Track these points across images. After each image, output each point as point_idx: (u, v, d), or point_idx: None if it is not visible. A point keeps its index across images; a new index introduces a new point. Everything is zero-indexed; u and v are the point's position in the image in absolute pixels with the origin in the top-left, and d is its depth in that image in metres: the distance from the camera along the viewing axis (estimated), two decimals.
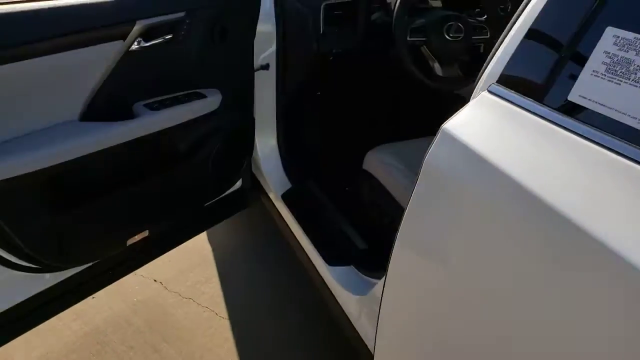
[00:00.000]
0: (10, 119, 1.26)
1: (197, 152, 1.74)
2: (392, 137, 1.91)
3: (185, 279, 2.37)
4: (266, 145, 2.16)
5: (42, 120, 1.34)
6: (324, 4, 1.78)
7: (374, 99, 2.55)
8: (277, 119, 2.13)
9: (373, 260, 1.72)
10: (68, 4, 1.29)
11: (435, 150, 0.99)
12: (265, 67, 2.01)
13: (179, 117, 1.59)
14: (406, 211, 1.08)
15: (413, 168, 1.72)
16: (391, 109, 2.67)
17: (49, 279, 1.65)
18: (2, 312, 1.54)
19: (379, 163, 1.80)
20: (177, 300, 2.25)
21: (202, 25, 1.60)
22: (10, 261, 1.47)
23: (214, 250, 2.55)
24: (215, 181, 1.87)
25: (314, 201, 2.10)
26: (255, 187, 2.30)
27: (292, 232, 2.06)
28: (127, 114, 1.52)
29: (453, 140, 0.95)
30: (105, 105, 1.46)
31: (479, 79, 1.03)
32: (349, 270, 1.74)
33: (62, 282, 1.67)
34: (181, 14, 1.52)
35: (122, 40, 1.39)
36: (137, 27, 1.41)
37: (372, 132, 2.30)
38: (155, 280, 2.34)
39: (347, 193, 2.18)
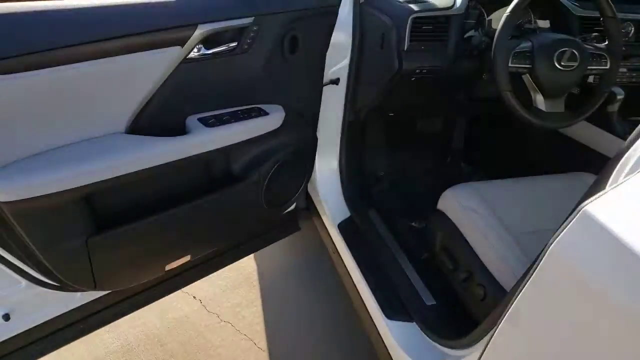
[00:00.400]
0: (49, 128, 1.10)
1: (251, 173, 1.54)
2: (474, 174, 1.64)
3: (225, 299, 2.20)
4: (326, 166, 1.94)
5: (85, 131, 1.17)
6: (412, 16, 1.53)
7: (456, 128, 2.28)
8: (341, 139, 1.91)
9: (443, 321, 1.46)
10: (120, 4, 1.11)
11: (571, 237, 0.73)
12: (335, 81, 1.79)
13: (236, 136, 1.40)
14: (520, 295, 0.84)
15: (499, 217, 1.45)
16: (475, 142, 2.38)
17: (81, 297, 1.51)
18: (35, 327, 1.44)
19: (458, 205, 1.53)
20: (215, 323, 2.08)
21: (271, 34, 1.40)
22: (39, 279, 1.33)
23: (259, 270, 2.36)
24: (269, 205, 1.67)
25: (375, 236, 1.86)
26: (309, 208, 2.09)
27: (346, 267, 1.84)
28: (179, 128, 1.34)
29: (601, 230, 0.69)
30: (156, 117, 1.28)
31: (631, 147, 0.76)
32: (411, 329, 1.49)
33: (93, 301, 1.53)
34: (248, 20, 1.32)
35: (179, 47, 1.21)
36: (198, 32, 1.22)
37: (450, 165, 2.03)
38: (194, 297, 2.19)
39: (415, 231, 1.93)
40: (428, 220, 1.66)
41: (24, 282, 1.35)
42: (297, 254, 2.49)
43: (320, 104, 1.73)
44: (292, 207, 1.94)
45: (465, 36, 1.65)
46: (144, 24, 1.14)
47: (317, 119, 1.76)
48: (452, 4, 1.57)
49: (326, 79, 1.75)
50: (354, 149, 1.99)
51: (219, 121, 1.37)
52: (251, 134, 1.44)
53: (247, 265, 2.38)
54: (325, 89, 1.73)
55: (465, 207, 1.50)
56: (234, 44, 1.34)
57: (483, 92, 1.71)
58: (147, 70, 1.19)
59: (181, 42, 1.21)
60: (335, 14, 1.58)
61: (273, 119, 1.48)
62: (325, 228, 1.96)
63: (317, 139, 1.76)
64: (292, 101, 1.60)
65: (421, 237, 1.84)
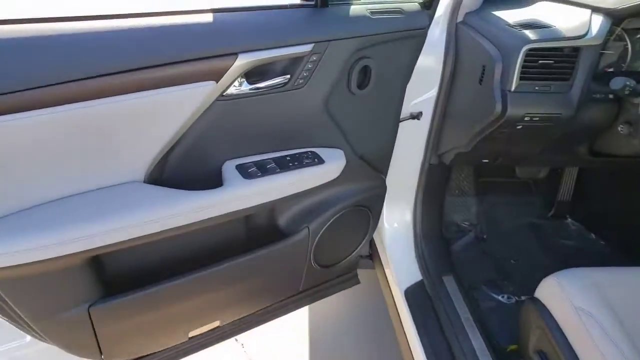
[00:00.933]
0: (50, 176, 0.89)
1: (299, 229, 1.26)
2: (583, 236, 1.24)
3: (274, 352, 1.94)
4: (396, 217, 1.61)
5: (93, 180, 0.95)
6: (526, 47, 1.16)
7: (564, 176, 1.84)
8: (417, 185, 1.56)
9: None
10: (138, 26, 0.87)
11: None
12: (417, 116, 1.45)
13: (282, 189, 1.12)
14: None
15: (628, 328, 1.05)
16: (587, 194, 1.92)
17: None
18: None
19: (566, 302, 1.14)
20: None
21: (336, 64, 1.10)
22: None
23: (310, 321, 2.08)
24: (320, 264, 1.38)
25: (449, 310, 1.50)
26: (372, 257, 1.77)
27: (408, 342, 1.49)
28: (213, 175, 1.08)
29: None
30: (182, 163, 1.04)
31: None
32: None
33: None
34: (306, 48, 1.03)
35: (214, 82, 0.95)
36: (239, 63, 0.96)
37: (553, 220, 1.62)
38: (236, 340, 1.95)
39: (502, 310, 1.54)
40: (522, 304, 1.28)
41: (28, 336, 1.17)
42: (353, 307, 2.17)
43: (393, 145, 1.41)
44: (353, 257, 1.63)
45: (598, 73, 1.24)
46: (168, 54, 0.89)
47: (389, 163, 1.43)
48: (585, 31, 1.17)
49: (405, 112, 1.42)
50: (434, 197, 1.63)
51: (262, 170, 1.10)
52: (302, 187, 1.15)
53: (299, 314, 2.10)
54: (402, 124, 1.41)
55: (577, 308, 1.10)
56: (285, 77, 1.05)
57: (615, 147, 1.30)
58: (171, 110, 0.94)
59: (216, 76, 0.95)
60: (423, 38, 1.25)
61: (330, 167, 1.18)
62: (389, 287, 1.63)
63: (386, 186, 1.44)
64: (358, 143, 1.29)
65: (509, 320, 1.45)
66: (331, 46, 1.07)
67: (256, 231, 1.26)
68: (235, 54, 0.95)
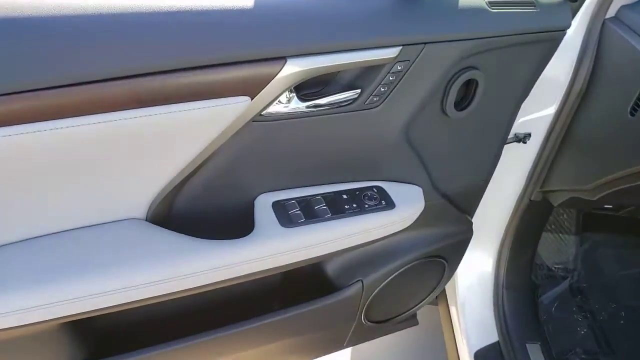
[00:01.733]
0: (21, 207, 0.64)
1: (349, 282, 0.96)
2: None
3: None
4: (475, 264, 1.27)
5: (83, 214, 0.69)
6: None
7: None
8: (508, 227, 1.22)
9: None
10: (139, 12, 0.58)
11: None
12: (522, 138, 1.09)
13: (336, 242, 0.82)
14: None
15: None
16: None
17: None
18: None
19: None
20: None
21: (429, 76, 0.76)
22: None
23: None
24: (372, 321, 1.08)
25: None
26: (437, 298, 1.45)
27: None
28: (240, 211, 0.80)
29: None
30: (202, 196, 0.76)
31: None
32: None
33: None
34: (389, 52, 0.70)
35: (247, 98, 0.64)
36: (287, 71, 0.65)
37: None
38: None
39: None
40: None
41: None
42: (406, 351, 1.86)
43: (490, 179, 1.06)
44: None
45: None
46: (182, 55, 0.59)
47: (479, 201, 1.09)
48: None
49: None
50: (526, 241, 1.28)
51: (307, 213, 0.80)
52: (361, 239, 0.84)
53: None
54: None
55: None
56: (354, 92, 0.73)
57: None
58: (186, 133, 0.66)
59: (253, 89, 0.64)
60: (557, 42, 0.88)
61: (403, 213, 0.86)
62: (455, 344, 1.32)
63: (472, 231, 1.10)
64: (443, 178, 0.95)
65: None
66: (427, 51, 0.73)
67: (294, 279, 0.97)
68: (281, 59, 0.64)
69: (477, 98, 0.84)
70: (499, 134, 0.97)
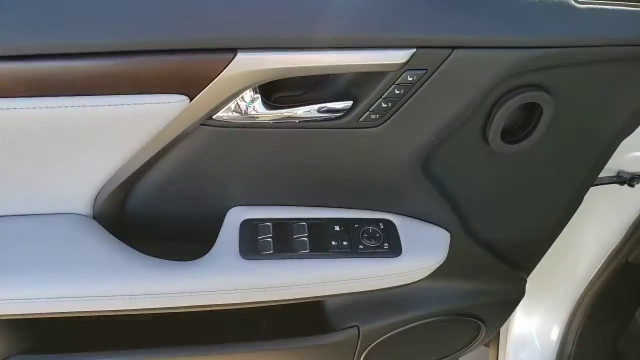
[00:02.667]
0: None
1: (343, 327, 0.79)
2: None
3: None
4: (531, 335, 1.01)
5: (19, 203, 0.61)
6: None
7: None
8: (585, 293, 0.93)
9: None
10: None
11: None
12: (628, 180, 0.81)
13: (311, 287, 0.64)
14: None
15: None
16: None
17: None
18: None
19: None
20: None
21: (459, 93, 0.53)
22: None
23: None
24: None
25: None
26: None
27: None
28: (213, 222, 0.66)
29: None
30: (161, 201, 0.63)
31: None
32: None
33: None
34: (395, 56, 0.49)
35: (185, 97, 0.49)
36: (238, 68, 0.47)
37: None
38: None
39: None
40: None
41: None
42: None
43: (560, 231, 0.79)
44: None
45: None
46: (89, 37, 0.45)
47: (541, 257, 0.83)
48: None
49: (609, 171, 0.79)
50: (610, 314, 0.98)
51: (280, 242, 0.63)
52: (346, 289, 0.66)
53: None
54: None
55: None
56: (345, 104, 0.53)
57: None
58: (114, 128, 0.52)
59: (190, 87, 0.48)
60: None
61: (409, 265, 0.66)
62: None
63: (524, 292, 0.85)
64: (485, 223, 0.72)
65: None
66: (456, 58, 0.50)
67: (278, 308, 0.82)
68: (229, 52, 0.47)
69: (541, 129, 0.59)
70: (579, 175, 0.70)
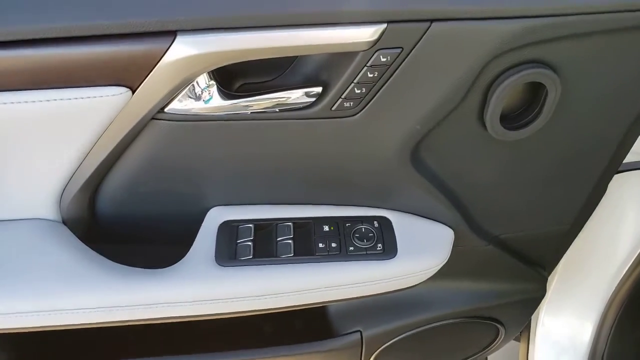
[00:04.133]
0: None
1: (346, 332, 0.73)
2: None
3: None
4: (562, 334, 0.91)
5: None
6: None
7: None
8: (618, 289, 0.84)
9: None
10: None
11: None
12: None
13: (293, 294, 0.59)
14: None
15: None
16: None
17: None
18: None
19: None
20: None
21: (446, 72, 0.46)
22: None
23: None
24: None
25: None
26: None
27: None
28: (193, 224, 0.62)
29: None
30: (131, 201, 0.59)
31: None
32: None
33: None
34: (363, 34, 0.42)
35: (126, 89, 0.44)
36: (180, 52, 0.42)
37: None
38: None
39: None
40: None
41: None
42: None
43: (584, 220, 0.70)
44: None
45: None
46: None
47: (564, 252, 0.74)
48: None
49: (636, 154, 0.69)
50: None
51: (262, 245, 0.58)
52: (334, 296, 0.60)
53: None
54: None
55: None
56: (313, 91, 0.47)
57: None
58: (57, 124, 0.48)
59: (129, 78, 0.43)
60: None
61: (405, 267, 0.59)
62: None
63: (545, 291, 0.77)
64: (494, 218, 0.64)
65: None
66: (436, 32, 0.43)
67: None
68: (168, 35, 0.41)
69: (547, 112, 0.50)
70: (599, 163, 0.61)
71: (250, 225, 0.60)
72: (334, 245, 0.59)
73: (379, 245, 0.59)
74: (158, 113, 0.47)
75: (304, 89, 0.47)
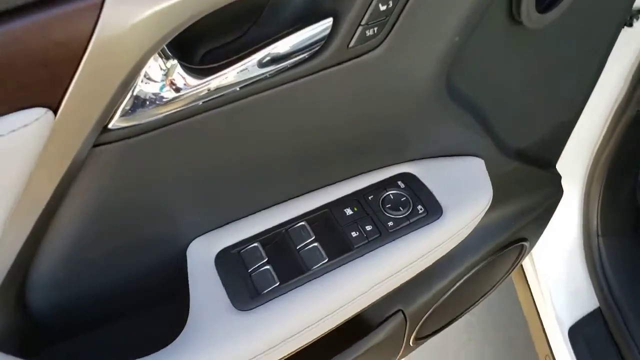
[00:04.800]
0: None
1: (387, 315, 0.61)
2: None
3: None
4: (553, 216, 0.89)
5: None
6: None
7: None
8: (598, 158, 0.83)
9: None
10: None
11: None
12: (629, 19, 0.67)
13: (341, 309, 0.45)
14: None
15: None
16: None
17: None
18: None
19: None
20: None
21: None
22: None
23: None
24: (427, 334, 0.75)
25: None
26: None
27: None
28: (164, 267, 0.44)
29: None
30: (98, 260, 0.40)
31: None
32: None
33: None
34: None
35: (44, 110, 0.25)
36: (121, 21, 0.24)
37: None
38: None
39: None
40: None
41: None
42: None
43: (585, 104, 0.64)
44: None
45: None
46: None
47: (566, 141, 0.68)
48: None
49: None
50: (626, 167, 0.88)
51: (284, 264, 0.43)
52: (387, 288, 0.48)
53: None
54: None
55: None
56: (322, 26, 0.32)
57: None
58: None
59: (45, 90, 0.25)
60: None
61: (457, 221, 0.48)
62: (539, 322, 0.98)
63: (562, 189, 0.71)
64: (517, 128, 0.55)
65: None
66: None
67: None
68: (93, 9, 0.23)
69: None
70: (604, 45, 0.54)
71: (255, 243, 0.44)
72: (369, 228, 0.45)
73: (419, 207, 0.47)
74: (101, 135, 0.29)
75: (307, 28, 0.32)
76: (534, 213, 0.66)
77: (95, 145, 0.29)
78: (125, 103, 0.28)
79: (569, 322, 0.92)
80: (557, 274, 0.94)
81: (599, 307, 0.92)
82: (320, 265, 0.43)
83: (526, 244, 0.72)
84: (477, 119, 0.47)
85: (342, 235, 0.45)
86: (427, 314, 0.64)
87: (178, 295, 0.44)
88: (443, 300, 0.64)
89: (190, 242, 0.44)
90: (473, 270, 0.63)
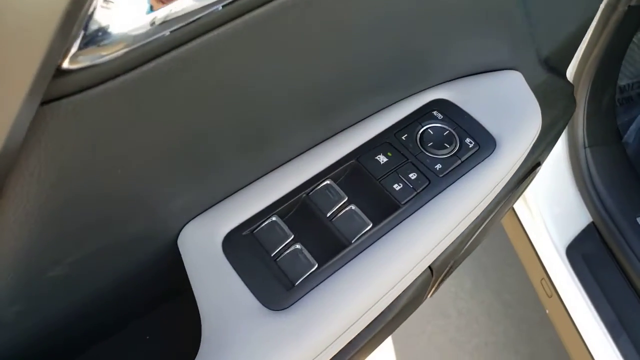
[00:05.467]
0: None
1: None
2: None
3: None
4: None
5: None
6: None
7: None
8: (583, 62, 0.77)
9: None
10: None
11: None
12: None
13: (402, 280, 0.34)
14: None
15: None
16: None
17: None
18: None
19: None
20: None
21: None
22: None
23: None
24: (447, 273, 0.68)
25: None
26: None
27: (584, 339, 0.88)
28: (148, 266, 0.32)
29: None
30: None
31: None
32: None
33: None
34: None
35: None
36: None
37: None
38: None
39: None
40: None
41: None
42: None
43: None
44: None
45: None
46: None
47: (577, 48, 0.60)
48: None
49: None
50: (609, 70, 0.83)
51: (332, 238, 0.32)
52: (463, 227, 0.39)
53: None
54: None
55: None
56: None
57: None
58: None
59: None
60: None
61: (515, 150, 0.38)
62: (531, 247, 0.95)
63: (575, 101, 0.64)
64: (544, 29, 0.45)
65: None
66: None
67: None
68: None
69: None
70: None
71: (273, 217, 0.33)
72: (413, 176, 0.35)
73: (467, 140, 0.37)
74: (52, 83, 0.16)
75: None
76: (552, 131, 0.59)
77: (44, 103, 0.17)
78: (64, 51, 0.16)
79: (565, 242, 0.89)
80: (547, 193, 0.90)
81: (592, 222, 0.90)
82: (365, 234, 0.32)
83: (539, 168, 0.65)
84: (509, 19, 0.37)
85: (381, 191, 0.34)
86: (449, 265, 0.57)
87: (174, 301, 0.33)
88: (464, 250, 0.57)
89: (182, 228, 0.32)
90: (495, 212, 0.56)
